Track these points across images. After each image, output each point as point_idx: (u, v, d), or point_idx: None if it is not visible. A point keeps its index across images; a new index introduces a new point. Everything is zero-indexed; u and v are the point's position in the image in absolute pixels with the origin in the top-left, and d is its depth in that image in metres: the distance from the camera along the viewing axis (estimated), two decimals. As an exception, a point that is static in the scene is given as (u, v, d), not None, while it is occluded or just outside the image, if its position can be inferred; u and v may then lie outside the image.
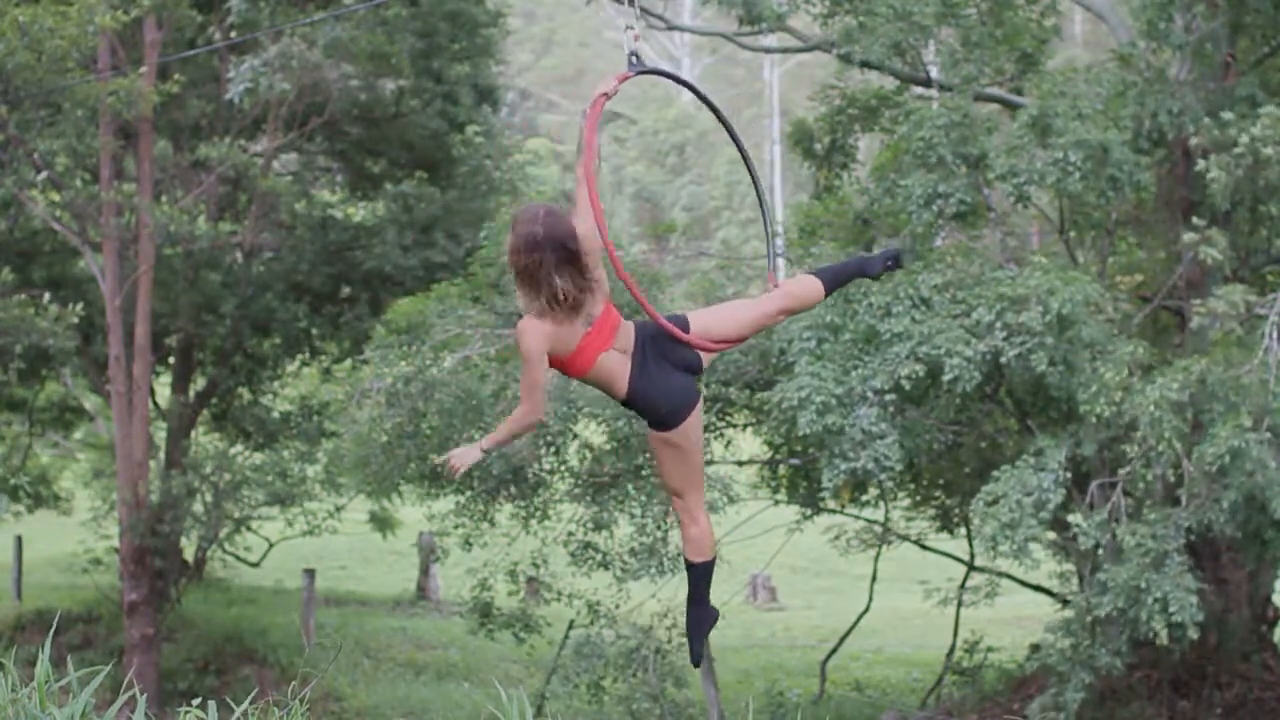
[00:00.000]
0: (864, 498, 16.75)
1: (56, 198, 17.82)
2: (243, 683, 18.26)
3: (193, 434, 20.80)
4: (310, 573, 20.01)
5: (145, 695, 4.46)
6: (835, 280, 5.38)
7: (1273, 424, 12.02)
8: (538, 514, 15.11)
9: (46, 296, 18.31)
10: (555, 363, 4.88)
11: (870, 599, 17.98)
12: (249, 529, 20.28)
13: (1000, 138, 13.93)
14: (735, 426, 15.60)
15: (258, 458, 20.50)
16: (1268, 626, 15.45)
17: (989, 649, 17.07)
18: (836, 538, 17.73)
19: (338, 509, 20.47)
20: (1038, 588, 16.54)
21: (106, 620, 20.60)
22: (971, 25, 14.64)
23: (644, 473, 14.31)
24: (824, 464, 13.07)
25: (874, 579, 17.89)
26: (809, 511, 16.26)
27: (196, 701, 4.59)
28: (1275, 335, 12.59)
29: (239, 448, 21.20)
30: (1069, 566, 16.05)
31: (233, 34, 18.75)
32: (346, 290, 20.87)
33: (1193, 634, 12.28)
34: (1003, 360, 12.67)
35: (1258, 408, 12.09)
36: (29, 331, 16.80)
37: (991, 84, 15.34)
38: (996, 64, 15.29)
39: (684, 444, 5.03)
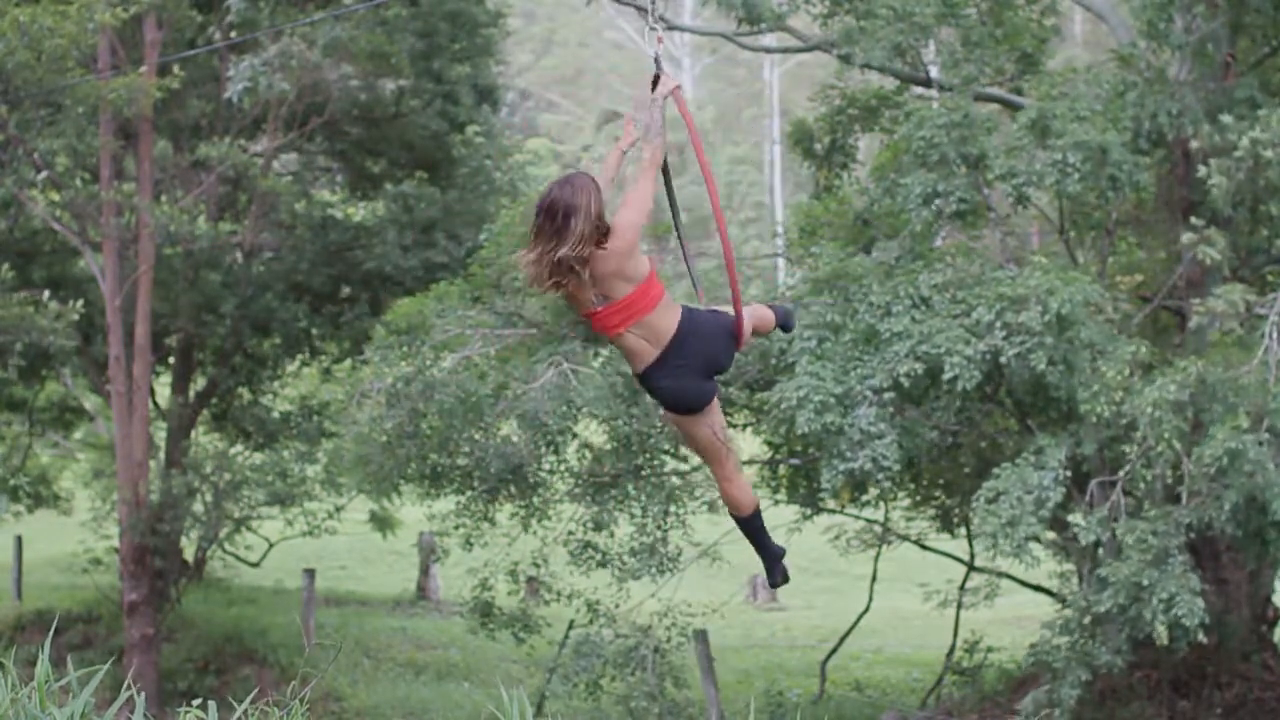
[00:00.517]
0: (864, 498, 16.73)
1: (56, 197, 17.83)
2: (243, 683, 18.25)
3: (193, 434, 20.79)
4: (310, 573, 20.00)
5: (145, 695, 4.46)
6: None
7: (1272, 424, 12.02)
8: (538, 514, 15.12)
9: (46, 295, 18.32)
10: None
11: (870, 599, 17.98)
12: (249, 529, 20.28)
13: (1000, 138, 13.93)
14: (735, 426, 15.59)
15: (258, 458, 20.49)
16: (1268, 626, 15.44)
17: (989, 649, 17.05)
18: (836, 538, 17.74)
19: (338, 509, 20.47)
20: (1038, 588, 16.53)
21: (106, 620, 20.59)
22: (971, 25, 14.63)
23: (644, 473, 14.32)
24: (823, 464, 13.08)
25: (874, 579, 17.89)
26: (809, 511, 16.25)
27: (196, 701, 4.59)
28: (1275, 335, 12.59)
29: (239, 448, 21.20)
30: (1069, 566, 16.04)
31: (232, 34, 18.74)
32: (346, 290, 20.88)
33: (1201, 637, 12.27)
34: (1002, 360, 12.66)
35: (1257, 408, 12.09)
36: (29, 330, 16.81)
37: (991, 84, 15.33)
38: (996, 64, 15.28)
39: (695, 429, 5.23)
